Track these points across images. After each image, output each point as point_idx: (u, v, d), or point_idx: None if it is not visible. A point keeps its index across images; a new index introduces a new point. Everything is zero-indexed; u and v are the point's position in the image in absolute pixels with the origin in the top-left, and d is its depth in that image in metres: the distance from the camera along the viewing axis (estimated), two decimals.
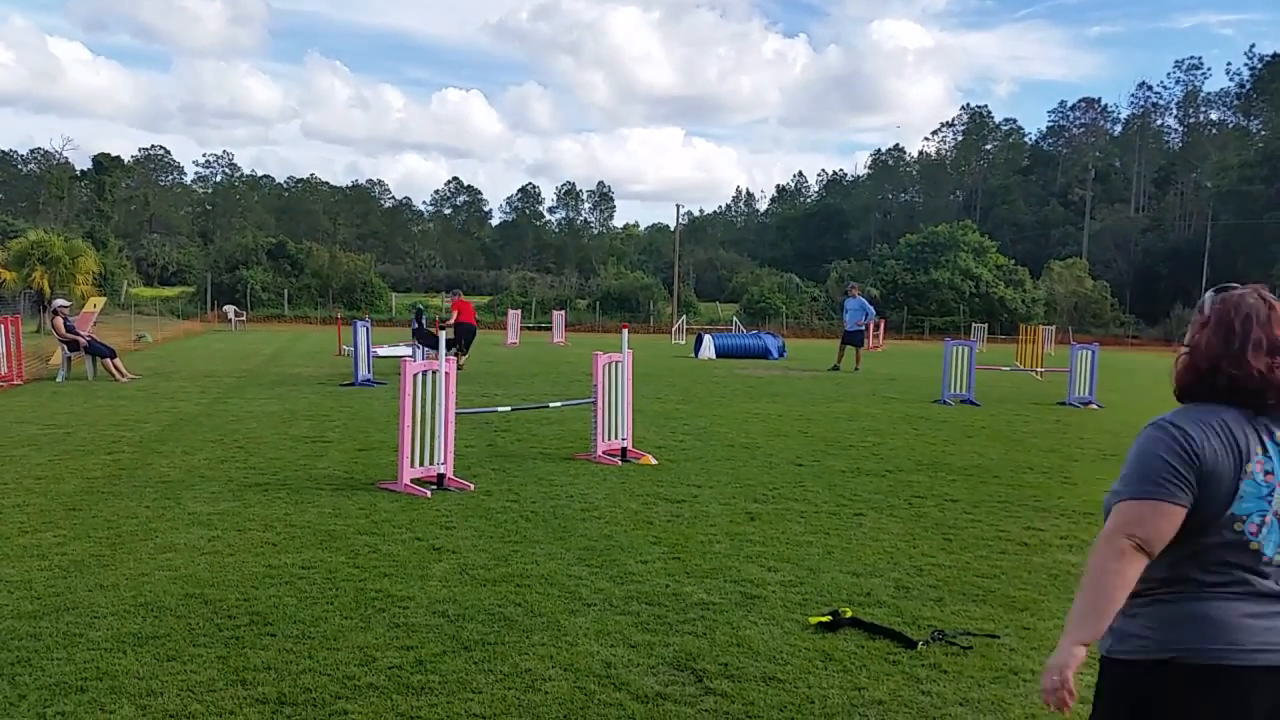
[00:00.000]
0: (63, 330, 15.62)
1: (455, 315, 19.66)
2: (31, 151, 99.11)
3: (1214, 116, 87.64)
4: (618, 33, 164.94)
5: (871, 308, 23.82)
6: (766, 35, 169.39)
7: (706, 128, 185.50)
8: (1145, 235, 76.97)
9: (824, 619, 4.45)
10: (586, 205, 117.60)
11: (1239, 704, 1.98)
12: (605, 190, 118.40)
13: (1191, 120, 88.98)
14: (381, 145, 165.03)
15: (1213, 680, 1.99)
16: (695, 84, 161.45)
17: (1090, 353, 15.63)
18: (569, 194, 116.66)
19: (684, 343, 36.09)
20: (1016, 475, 8.67)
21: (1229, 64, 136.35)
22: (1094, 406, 15.12)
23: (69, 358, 15.58)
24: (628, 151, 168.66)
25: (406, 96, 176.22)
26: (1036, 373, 21.19)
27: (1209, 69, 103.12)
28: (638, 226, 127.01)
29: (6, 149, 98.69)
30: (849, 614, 4.49)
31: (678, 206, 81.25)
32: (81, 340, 15.60)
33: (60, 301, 16.83)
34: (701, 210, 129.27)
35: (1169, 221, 79.75)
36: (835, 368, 22.13)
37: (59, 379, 15.12)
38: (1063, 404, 15.35)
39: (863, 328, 23.22)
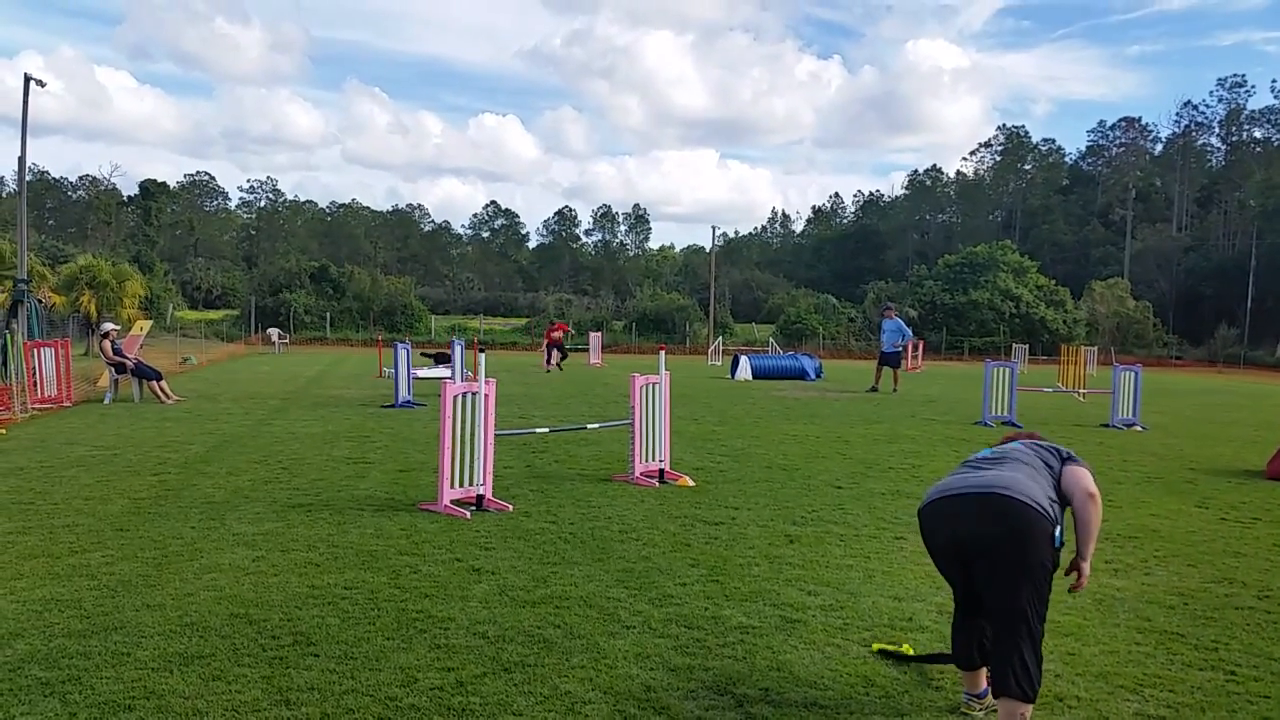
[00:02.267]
0: (110, 353, 15.91)
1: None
2: (80, 178, 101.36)
3: (1258, 134, 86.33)
4: (651, 56, 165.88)
5: (909, 329, 23.62)
6: (800, 57, 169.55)
7: (741, 149, 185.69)
8: (1188, 255, 75.83)
9: (890, 647, 4.36)
10: (622, 228, 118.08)
11: (937, 520, 3.68)
12: (641, 213, 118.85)
13: (1235, 138, 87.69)
14: (420, 170, 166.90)
15: (926, 512, 3.74)
16: (729, 106, 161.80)
17: (1133, 374, 15.41)
18: (605, 216, 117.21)
19: (720, 364, 36.04)
20: None
21: (1274, 81, 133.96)
22: (1138, 429, 14.89)
23: (116, 380, 15.87)
24: (662, 174, 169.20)
25: (444, 122, 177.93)
26: (1079, 394, 20.91)
27: (1253, 86, 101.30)
28: (673, 248, 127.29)
29: (57, 176, 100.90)
30: (909, 651, 4.38)
31: (713, 228, 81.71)
32: (128, 363, 15.88)
33: (108, 325, 17.16)
34: (737, 231, 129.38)
35: (1212, 241, 78.53)
36: (873, 389, 21.99)
37: (106, 401, 15.39)
38: (1106, 426, 15.13)
39: (900, 349, 23.03)
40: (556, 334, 30.29)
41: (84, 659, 4.07)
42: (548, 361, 29.50)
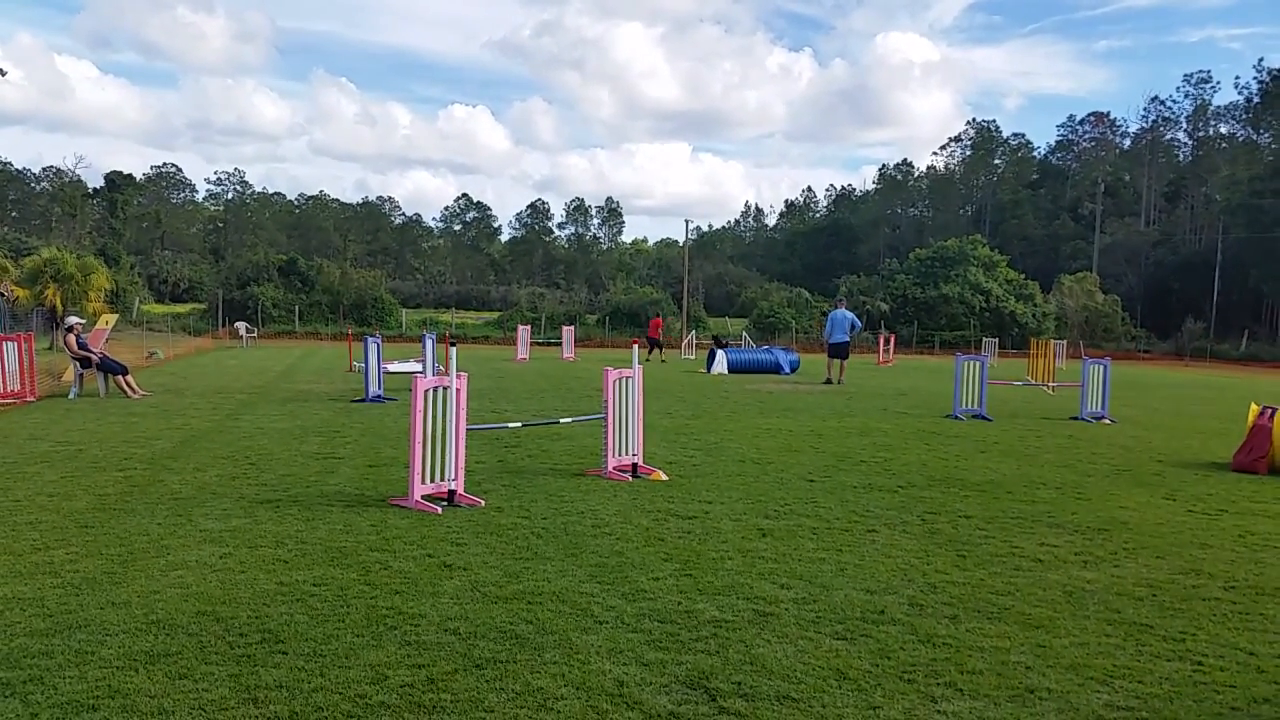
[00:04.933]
0: (75, 347, 15.68)
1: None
2: (44, 170, 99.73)
3: (1223, 130, 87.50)
4: (622, 48, 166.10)
5: (829, 323, 23.71)
6: (771, 49, 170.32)
7: (713, 143, 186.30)
8: (1156, 249, 76.78)
9: None
10: (595, 221, 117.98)
11: None
12: (614, 206, 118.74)
13: (1201, 134, 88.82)
14: (389, 162, 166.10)
15: None
16: (701, 99, 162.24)
17: (1102, 367, 15.56)
18: (578, 209, 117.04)
19: (694, 358, 36.08)
20: (1030, 491, 8.62)
21: (1237, 78, 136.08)
22: (1107, 421, 15.04)
23: (81, 375, 15.64)
24: (634, 167, 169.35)
25: (413, 113, 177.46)
26: (1048, 387, 21.09)
27: (1218, 82, 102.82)
28: (646, 242, 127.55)
29: (20, 168, 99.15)
30: None
31: (686, 222, 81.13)
32: (94, 357, 15.65)
33: (73, 319, 16.90)
34: (710, 225, 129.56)
35: (1179, 235, 79.53)
36: (839, 381, 22.28)
37: (71, 396, 15.17)
38: (1075, 419, 15.28)
39: (845, 339, 23.16)
40: (656, 331, 32.97)
41: (46, 658, 3.99)
42: (649, 355, 31.81)
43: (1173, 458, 11.18)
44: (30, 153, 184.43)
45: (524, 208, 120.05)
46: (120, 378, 15.47)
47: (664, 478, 8.71)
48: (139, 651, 4.09)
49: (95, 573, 5.24)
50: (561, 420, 10.84)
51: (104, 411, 13.20)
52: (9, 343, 14.89)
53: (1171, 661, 4.35)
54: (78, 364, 15.69)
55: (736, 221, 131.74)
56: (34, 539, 5.96)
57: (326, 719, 3.50)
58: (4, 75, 22.47)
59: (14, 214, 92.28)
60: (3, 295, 31.54)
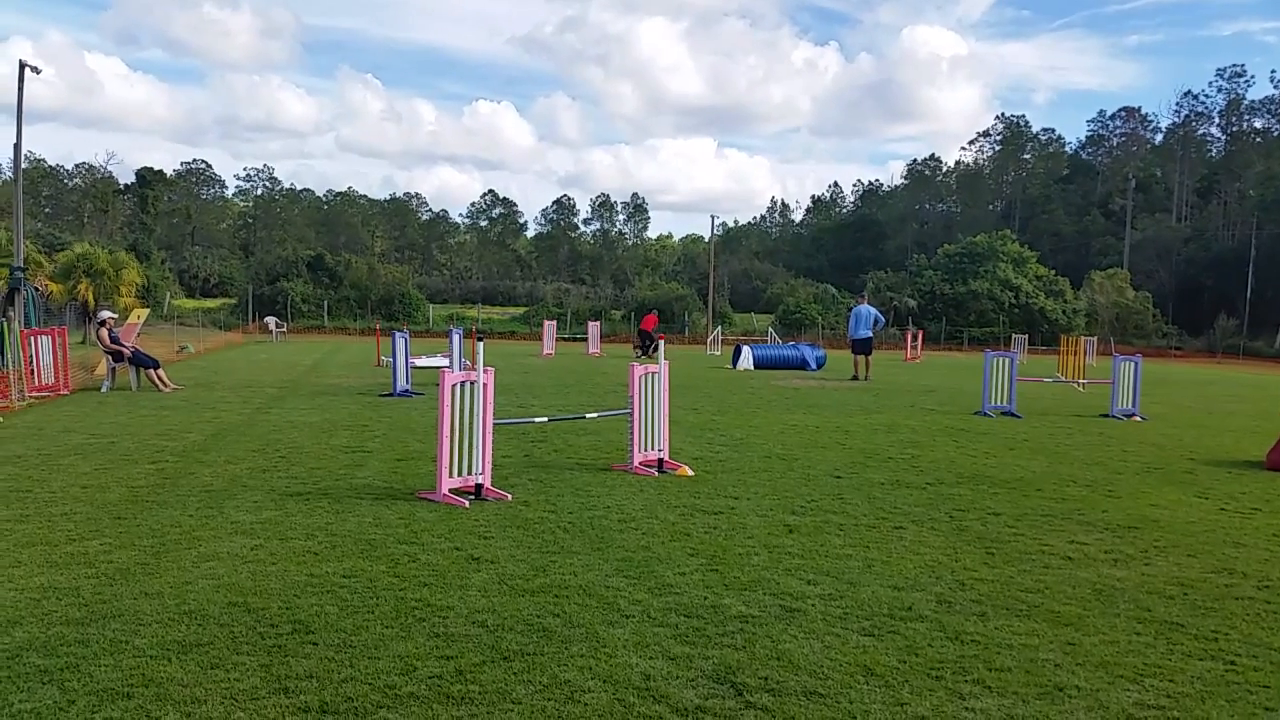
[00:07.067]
0: (107, 341, 15.88)
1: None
2: (76, 166, 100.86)
3: (1258, 124, 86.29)
4: (646, 43, 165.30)
5: (852, 319, 23.67)
6: (797, 44, 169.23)
7: (738, 138, 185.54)
8: (1187, 245, 75.83)
9: None
10: (620, 217, 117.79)
11: None
12: (639, 202, 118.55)
13: (1234, 129, 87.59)
14: (415, 158, 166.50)
15: None
16: (725, 94, 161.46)
17: (1133, 364, 15.40)
18: (603, 205, 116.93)
19: (720, 353, 36.03)
20: (1059, 488, 8.55)
21: (1273, 71, 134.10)
22: (1137, 419, 14.89)
23: (113, 368, 15.83)
24: (659, 162, 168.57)
25: (439, 110, 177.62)
26: (1079, 384, 20.91)
27: (1252, 76, 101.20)
28: (671, 237, 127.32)
29: (53, 164, 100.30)
30: None
31: (712, 217, 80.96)
32: (126, 351, 15.85)
33: (106, 313, 17.12)
34: (736, 221, 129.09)
35: (1212, 231, 78.50)
36: (865, 377, 22.18)
37: (104, 389, 15.37)
38: (1106, 416, 15.13)
39: (868, 334, 23.06)
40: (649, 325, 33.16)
41: (82, 646, 4.05)
42: (644, 351, 31.52)
43: (1205, 456, 11.05)
44: (62, 149, 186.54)
45: (549, 204, 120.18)
46: (152, 371, 15.65)
47: (690, 473, 8.71)
48: (172, 641, 4.15)
49: (129, 563, 5.31)
50: (588, 415, 10.86)
51: (136, 405, 13.36)
52: (43, 337, 15.12)
53: (1203, 661, 4.30)
54: (110, 358, 15.89)
55: (762, 217, 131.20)
56: (69, 530, 6.05)
57: (356, 709, 3.53)
58: (39, 73, 22.81)
59: (47, 210, 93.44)
60: (37, 290, 31.95)
